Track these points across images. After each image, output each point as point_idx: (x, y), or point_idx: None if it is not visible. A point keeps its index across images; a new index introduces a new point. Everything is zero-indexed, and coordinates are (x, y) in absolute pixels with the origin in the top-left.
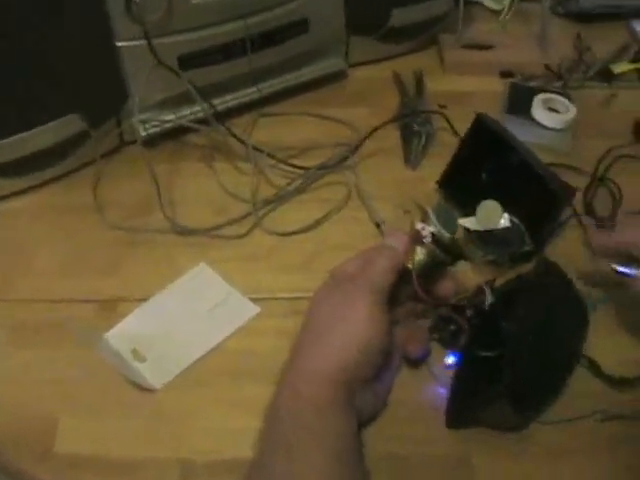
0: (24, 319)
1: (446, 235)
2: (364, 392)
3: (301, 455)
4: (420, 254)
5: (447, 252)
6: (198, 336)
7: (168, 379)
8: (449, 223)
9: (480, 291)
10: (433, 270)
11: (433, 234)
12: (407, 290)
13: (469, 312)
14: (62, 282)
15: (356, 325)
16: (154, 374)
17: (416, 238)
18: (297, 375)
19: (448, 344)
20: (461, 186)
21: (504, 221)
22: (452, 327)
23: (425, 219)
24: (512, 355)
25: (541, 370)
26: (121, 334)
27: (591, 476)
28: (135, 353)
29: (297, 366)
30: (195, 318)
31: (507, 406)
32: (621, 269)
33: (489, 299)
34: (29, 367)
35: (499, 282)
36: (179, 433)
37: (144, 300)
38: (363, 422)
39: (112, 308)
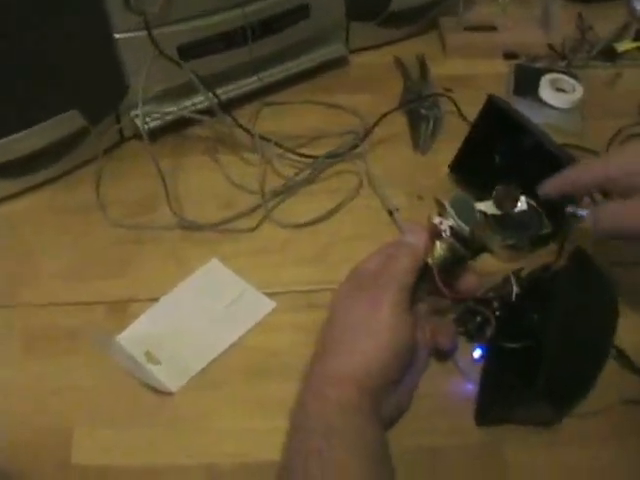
0: (34, 326)
1: (465, 228)
2: (389, 397)
3: (332, 460)
4: (440, 249)
5: (467, 246)
6: (213, 335)
7: (184, 381)
8: (468, 215)
9: (506, 282)
10: (454, 265)
11: (452, 227)
12: (428, 286)
13: (495, 304)
14: (70, 285)
15: (381, 327)
16: (169, 377)
17: (434, 232)
18: (323, 379)
19: (474, 337)
20: (474, 170)
21: (521, 204)
22: (478, 319)
23: (442, 212)
24: (547, 349)
25: (575, 363)
26: (133, 336)
27: (624, 462)
28: (149, 356)
29: (322, 370)
30: (209, 316)
31: (544, 404)
32: (570, 210)
33: (515, 290)
34: (43, 376)
35: (522, 270)
36: (200, 437)
37: (155, 300)
38: (387, 426)
39: (122, 310)
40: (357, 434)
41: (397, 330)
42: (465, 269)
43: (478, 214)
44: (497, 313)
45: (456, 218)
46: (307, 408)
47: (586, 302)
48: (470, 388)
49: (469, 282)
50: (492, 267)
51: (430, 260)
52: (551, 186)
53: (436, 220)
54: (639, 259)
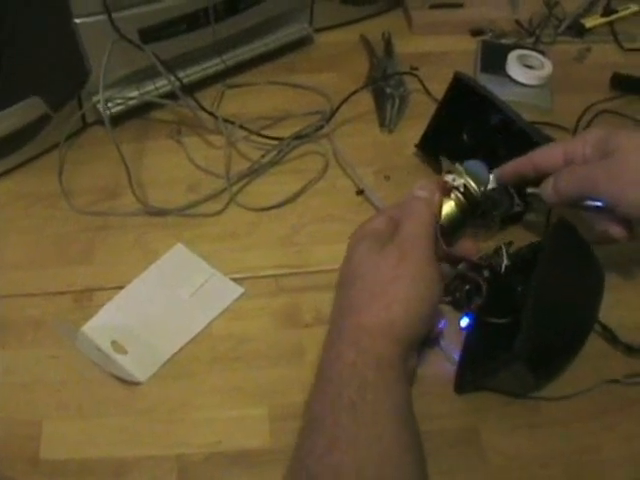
0: None
1: (477, 188)
2: (412, 358)
3: (367, 416)
4: (448, 206)
5: (476, 206)
6: (181, 322)
7: (153, 371)
8: (480, 177)
9: (497, 253)
10: (459, 224)
11: (465, 186)
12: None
13: (486, 272)
14: (34, 275)
15: (417, 278)
16: (137, 366)
17: (444, 190)
18: (359, 331)
19: (463, 305)
20: (441, 148)
21: (491, 182)
22: (468, 287)
23: (452, 172)
24: (529, 318)
25: (557, 334)
26: (98, 326)
27: (607, 441)
28: (115, 345)
29: (357, 323)
30: (176, 303)
31: (522, 368)
32: (530, 190)
33: (505, 262)
34: (8, 369)
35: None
36: (172, 427)
37: (120, 288)
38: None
39: (88, 299)
40: (390, 391)
41: (432, 280)
42: (465, 231)
43: (488, 177)
44: (488, 282)
45: (468, 177)
46: (343, 358)
47: (569, 271)
48: (450, 367)
49: (468, 245)
50: (482, 238)
51: (438, 217)
52: (510, 169)
53: (449, 177)
54: None
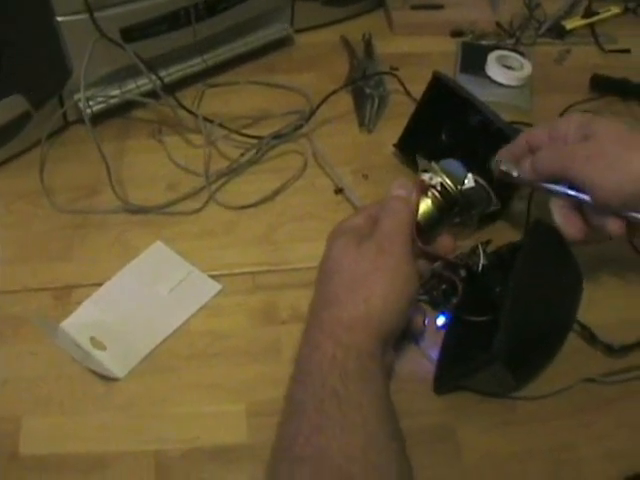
0: None
1: (454, 186)
2: (389, 353)
3: (351, 403)
4: (425, 205)
5: (453, 204)
6: (159, 319)
7: (131, 366)
8: (456, 175)
9: (473, 252)
10: (436, 223)
11: (442, 184)
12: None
13: (462, 272)
14: (13, 271)
15: (395, 272)
16: (116, 362)
17: (421, 189)
18: (337, 325)
19: (439, 304)
20: (420, 147)
21: (468, 181)
22: (444, 286)
23: (429, 170)
24: (506, 318)
25: (535, 334)
26: (78, 322)
27: (583, 439)
28: (94, 341)
29: (336, 316)
30: (154, 300)
31: (501, 369)
32: (503, 168)
33: (482, 261)
34: None
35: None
36: (150, 423)
37: (100, 285)
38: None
39: (67, 295)
40: (372, 381)
41: (410, 276)
42: (443, 229)
43: (467, 174)
44: (464, 282)
45: (444, 175)
46: (322, 350)
47: (547, 271)
48: (426, 364)
49: (446, 242)
50: (459, 237)
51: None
52: (508, 154)
53: (425, 176)
54: None
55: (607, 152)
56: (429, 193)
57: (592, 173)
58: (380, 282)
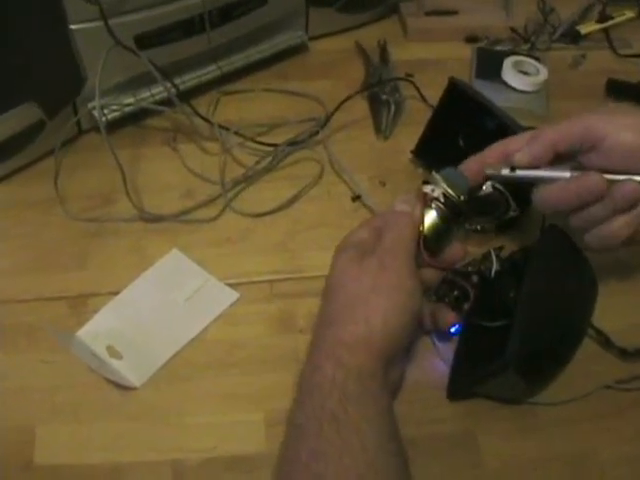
0: None
1: (456, 196)
2: (396, 366)
3: (350, 427)
4: (430, 217)
5: (457, 213)
6: (176, 327)
7: (148, 376)
8: (457, 184)
9: (486, 258)
10: (443, 233)
11: (445, 195)
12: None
13: (474, 278)
14: (28, 281)
15: (397, 289)
16: (132, 371)
17: (424, 202)
18: (339, 345)
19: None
20: (437, 153)
21: (486, 187)
22: (456, 292)
23: (431, 181)
24: (519, 325)
25: (549, 340)
26: (94, 331)
27: (598, 446)
28: (110, 350)
29: (338, 336)
30: (171, 308)
31: (514, 376)
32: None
33: (495, 266)
34: (3, 375)
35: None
36: (167, 433)
37: (116, 293)
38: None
39: (83, 304)
40: (372, 402)
41: (412, 292)
42: (452, 238)
43: (466, 183)
44: (476, 288)
45: (446, 186)
46: (322, 371)
47: (561, 277)
48: (444, 370)
49: (455, 251)
50: (472, 243)
51: (421, 228)
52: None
53: (427, 188)
54: None
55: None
56: (433, 205)
57: (611, 129)
58: (381, 300)
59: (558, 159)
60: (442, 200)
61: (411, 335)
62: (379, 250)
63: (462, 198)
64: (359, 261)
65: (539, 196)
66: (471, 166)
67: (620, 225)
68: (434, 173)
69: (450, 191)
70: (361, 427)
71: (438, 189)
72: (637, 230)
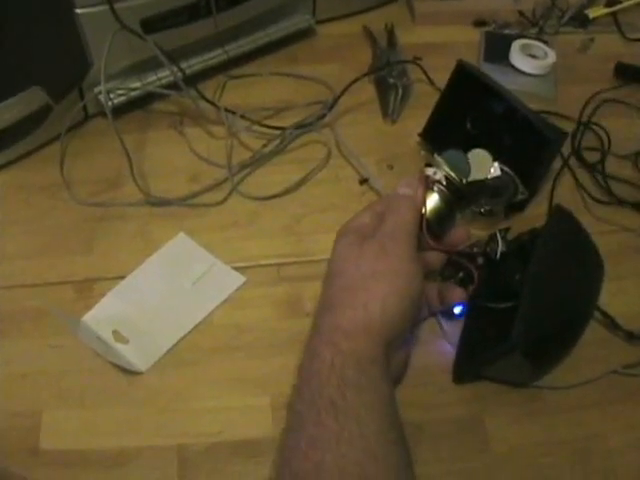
0: None
1: (458, 177)
2: (398, 351)
3: (348, 414)
4: (433, 200)
5: (460, 196)
6: (182, 312)
7: (154, 360)
8: (459, 167)
9: (492, 239)
10: (446, 216)
11: (446, 178)
12: (421, 240)
13: (480, 260)
14: (34, 265)
15: (396, 273)
16: (138, 356)
17: (426, 185)
18: (337, 331)
19: None
20: (445, 137)
21: (494, 170)
22: (461, 274)
23: (433, 164)
24: (525, 308)
25: (555, 322)
26: (100, 316)
27: (606, 431)
28: (116, 335)
29: (337, 321)
30: (177, 292)
31: (520, 358)
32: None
33: (501, 248)
34: (9, 360)
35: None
36: (173, 417)
37: (122, 278)
38: (394, 383)
39: (88, 289)
40: (372, 388)
41: (412, 276)
42: (455, 221)
43: (468, 165)
44: (482, 270)
45: (448, 168)
46: (321, 357)
47: (568, 259)
48: (451, 353)
49: (459, 233)
50: (479, 226)
51: (423, 211)
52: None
53: (429, 171)
54: (626, 225)
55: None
56: (435, 187)
57: None
58: (380, 285)
59: None
60: (444, 183)
61: (412, 320)
62: (379, 234)
63: (464, 181)
64: (359, 245)
65: None
66: None
67: None
68: (436, 156)
69: (452, 174)
70: (360, 413)
71: (440, 172)
72: None
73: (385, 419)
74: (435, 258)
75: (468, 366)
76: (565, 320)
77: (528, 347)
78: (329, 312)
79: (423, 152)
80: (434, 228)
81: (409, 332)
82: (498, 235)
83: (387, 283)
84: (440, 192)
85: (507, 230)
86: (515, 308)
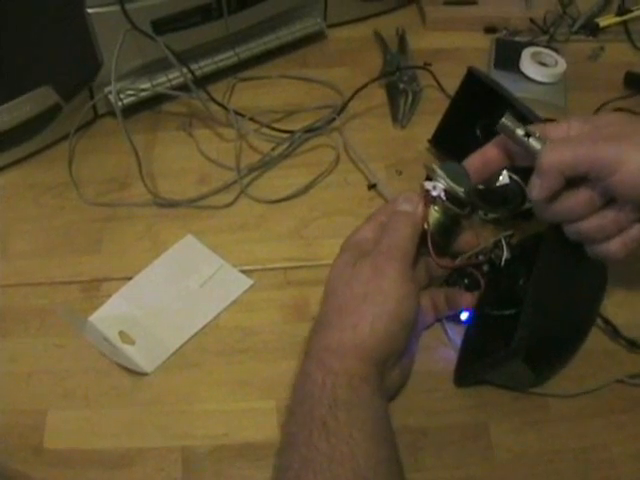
0: (5, 307)
1: (459, 190)
2: (393, 369)
3: (339, 435)
4: (435, 214)
5: (462, 207)
6: (189, 314)
7: (160, 361)
8: (459, 178)
9: (496, 246)
10: (450, 228)
11: (446, 191)
12: (424, 253)
13: (485, 267)
14: (42, 264)
15: (387, 295)
16: (144, 357)
17: (427, 199)
18: (327, 351)
19: None
20: (454, 143)
21: (503, 178)
22: (466, 281)
23: (432, 177)
24: (528, 314)
25: (557, 329)
26: (106, 316)
27: (610, 440)
28: (122, 336)
29: (326, 342)
30: (184, 294)
31: (521, 364)
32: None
33: (505, 254)
34: (14, 358)
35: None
36: (178, 419)
37: (129, 278)
38: (388, 399)
39: (96, 289)
40: (363, 407)
41: (404, 299)
42: (461, 230)
43: (468, 177)
44: (487, 276)
45: (449, 181)
46: (312, 378)
47: (571, 265)
48: (455, 359)
49: (467, 239)
50: (484, 233)
51: (426, 226)
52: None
53: (429, 185)
54: None
55: (630, 133)
56: (436, 201)
57: (620, 151)
58: (370, 308)
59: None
60: (444, 196)
61: (404, 340)
62: (375, 253)
63: (464, 192)
64: (353, 266)
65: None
66: (473, 162)
67: (617, 247)
68: (435, 167)
69: (452, 184)
70: (352, 434)
71: (440, 185)
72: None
73: (376, 439)
74: (438, 271)
75: (469, 370)
76: (567, 326)
77: (529, 353)
78: (321, 332)
79: (437, 159)
80: (438, 242)
81: (403, 352)
82: (503, 241)
83: (377, 305)
84: (441, 205)
85: (512, 236)
86: (518, 314)
